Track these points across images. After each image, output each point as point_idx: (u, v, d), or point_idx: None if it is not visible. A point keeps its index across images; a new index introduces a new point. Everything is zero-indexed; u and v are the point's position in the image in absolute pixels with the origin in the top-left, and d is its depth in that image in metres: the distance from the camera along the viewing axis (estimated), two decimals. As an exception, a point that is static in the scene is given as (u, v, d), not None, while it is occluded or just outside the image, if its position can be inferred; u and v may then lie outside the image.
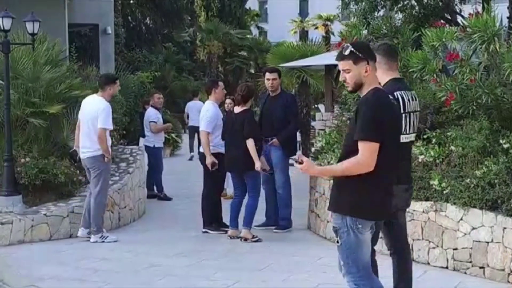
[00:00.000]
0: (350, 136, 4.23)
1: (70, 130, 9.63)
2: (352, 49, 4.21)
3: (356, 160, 4.10)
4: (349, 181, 4.19)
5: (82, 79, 10.81)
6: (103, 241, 8.16)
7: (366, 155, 4.09)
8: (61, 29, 17.40)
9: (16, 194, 8.72)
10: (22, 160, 9.00)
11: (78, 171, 9.31)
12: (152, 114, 11.93)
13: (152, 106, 12.23)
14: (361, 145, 4.10)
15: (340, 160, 4.29)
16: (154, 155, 11.85)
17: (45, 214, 8.37)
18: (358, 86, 4.25)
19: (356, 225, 4.18)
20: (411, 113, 5.04)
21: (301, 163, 4.20)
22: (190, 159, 17.48)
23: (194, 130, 16.03)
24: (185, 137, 21.09)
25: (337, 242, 4.24)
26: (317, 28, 41.36)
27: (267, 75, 9.04)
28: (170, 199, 11.66)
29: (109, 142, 8.38)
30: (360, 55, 4.21)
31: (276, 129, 8.78)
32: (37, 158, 9.12)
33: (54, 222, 8.40)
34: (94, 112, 8.18)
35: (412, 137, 5.18)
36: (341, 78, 4.35)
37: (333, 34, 38.65)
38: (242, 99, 8.20)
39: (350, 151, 4.18)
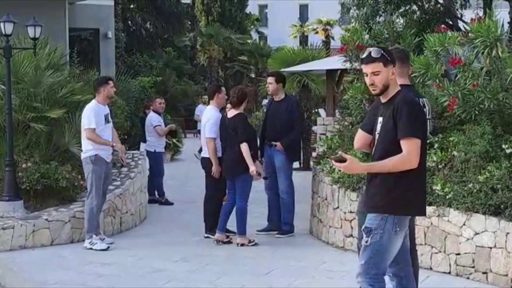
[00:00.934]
0: (387, 137, 4.32)
1: (71, 135, 9.63)
2: (383, 52, 4.39)
3: (404, 157, 4.26)
4: (394, 179, 4.30)
5: (84, 84, 10.79)
6: (91, 248, 8.08)
7: (414, 152, 4.26)
8: (61, 33, 17.41)
9: (17, 199, 8.72)
10: (24, 165, 8.99)
11: (79, 176, 9.30)
12: (155, 119, 11.95)
13: (153, 111, 12.23)
14: (408, 142, 4.26)
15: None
16: (155, 159, 11.85)
17: (46, 219, 8.36)
18: (386, 88, 4.40)
19: (395, 227, 4.30)
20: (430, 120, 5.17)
21: (342, 161, 4.24)
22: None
23: None
24: (186, 142, 21.09)
25: (366, 242, 4.31)
26: (317, 32, 41.45)
27: (267, 79, 9.13)
28: (171, 203, 11.65)
29: (107, 137, 8.32)
30: (388, 58, 4.40)
31: (279, 134, 8.78)
32: (38, 163, 9.11)
33: (55, 227, 8.39)
34: (83, 114, 8.27)
35: None
36: (368, 82, 4.43)
37: (333, 38, 38.71)
38: (236, 102, 8.22)
39: (388, 151, 4.28)
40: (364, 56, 4.45)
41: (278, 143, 8.73)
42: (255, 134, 8.53)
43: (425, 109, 4.99)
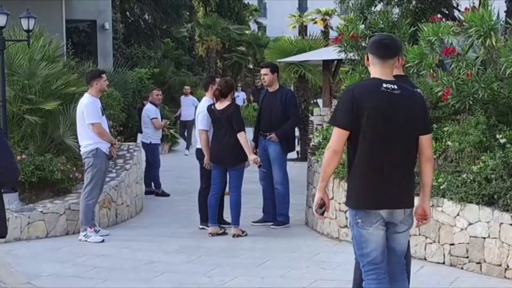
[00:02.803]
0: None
1: (66, 127, 9.62)
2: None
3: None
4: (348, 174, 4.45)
5: (79, 76, 10.76)
6: (86, 240, 8.07)
7: (331, 139, 4.34)
8: (58, 25, 17.38)
9: (12, 191, 8.68)
10: (18, 157, 8.97)
11: (74, 168, 9.30)
12: (152, 111, 11.94)
13: (151, 103, 12.22)
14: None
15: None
16: (151, 151, 11.85)
17: (41, 211, 8.36)
18: None
19: (355, 219, 4.37)
20: None
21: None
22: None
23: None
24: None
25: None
26: (316, 22, 41.32)
27: (261, 70, 9.10)
28: (168, 195, 11.64)
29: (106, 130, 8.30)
30: None
31: (274, 125, 8.76)
32: (33, 155, 9.11)
33: (50, 219, 8.39)
34: (79, 108, 8.22)
35: None
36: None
37: (332, 28, 38.59)
38: (221, 94, 8.20)
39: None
40: None
41: (272, 134, 8.71)
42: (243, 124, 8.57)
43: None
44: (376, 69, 4.33)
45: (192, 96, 18.80)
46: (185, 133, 18.50)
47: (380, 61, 4.30)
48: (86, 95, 8.30)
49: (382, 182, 4.24)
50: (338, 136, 4.27)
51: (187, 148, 17.85)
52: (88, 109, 8.09)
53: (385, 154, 4.22)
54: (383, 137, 4.21)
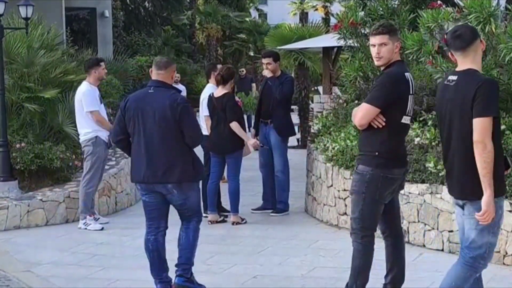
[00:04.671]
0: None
1: (65, 115, 9.61)
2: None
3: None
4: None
5: (78, 64, 10.74)
6: (85, 228, 8.08)
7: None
8: (57, 12, 17.34)
9: (11, 179, 8.72)
10: (18, 146, 8.98)
11: (74, 156, 9.30)
12: None
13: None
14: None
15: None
16: None
17: (41, 200, 8.37)
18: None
19: None
20: (413, 96, 5.01)
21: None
22: None
23: None
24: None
25: None
26: (316, 9, 41.13)
27: (262, 60, 9.04)
28: None
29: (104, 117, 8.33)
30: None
31: (273, 111, 8.70)
32: (32, 143, 9.11)
33: (50, 207, 8.39)
34: (77, 96, 8.23)
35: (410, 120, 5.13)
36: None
37: (332, 15, 38.45)
38: (222, 80, 8.18)
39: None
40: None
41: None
42: (242, 114, 8.54)
43: (410, 85, 4.87)
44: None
45: (182, 84, 18.32)
46: None
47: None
48: (84, 83, 8.29)
49: None
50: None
51: None
52: (86, 97, 8.09)
53: None
54: None
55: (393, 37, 4.82)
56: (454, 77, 4.24)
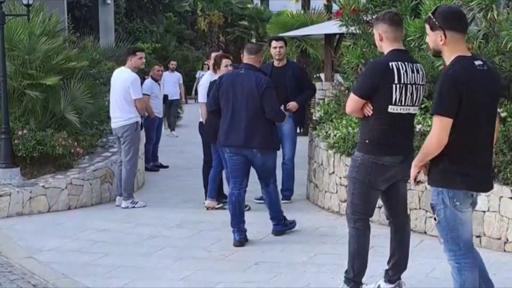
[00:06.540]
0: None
1: (67, 102, 9.62)
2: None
3: None
4: None
5: (79, 50, 10.74)
6: (133, 207, 8.57)
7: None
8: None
9: (14, 166, 8.75)
10: (20, 133, 9.00)
11: (75, 143, 9.31)
12: (146, 86, 11.49)
13: (152, 78, 12.18)
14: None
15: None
16: (147, 126, 11.73)
17: (43, 186, 8.39)
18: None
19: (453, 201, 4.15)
20: (408, 85, 4.90)
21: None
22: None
23: None
24: (187, 108, 21.08)
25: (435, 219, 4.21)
26: (319, -4, 40.99)
27: (274, 43, 8.83)
28: (157, 170, 11.67)
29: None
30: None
31: (290, 98, 8.55)
32: (34, 130, 9.13)
33: (52, 194, 8.42)
34: (122, 83, 8.54)
35: (410, 109, 5.01)
36: None
37: (335, 2, 38.30)
38: (215, 64, 8.24)
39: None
40: None
41: (291, 103, 8.50)
42: None
43: (394, 75, 4.71)
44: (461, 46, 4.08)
45: (178, 72, 17.53)
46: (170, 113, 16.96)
47: (463, 36, 4.10)
48: (128, 71, 8.64)
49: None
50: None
51: (172, 128, 16.83)
52: (134, 85, 8.50)
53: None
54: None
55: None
56: (480, 62, 4.11)
